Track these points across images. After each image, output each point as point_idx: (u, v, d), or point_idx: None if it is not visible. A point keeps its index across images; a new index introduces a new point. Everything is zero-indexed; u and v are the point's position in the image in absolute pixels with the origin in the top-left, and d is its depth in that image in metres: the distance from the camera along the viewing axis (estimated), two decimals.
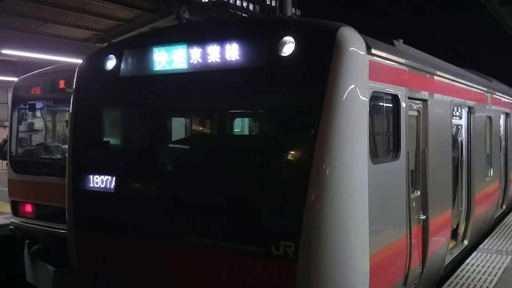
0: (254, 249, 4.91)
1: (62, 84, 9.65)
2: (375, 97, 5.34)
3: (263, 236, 4.91)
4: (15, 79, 11.18)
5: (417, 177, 6.70)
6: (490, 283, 7.30)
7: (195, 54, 5.53)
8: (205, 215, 5.39)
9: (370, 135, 5.11)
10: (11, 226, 10.31)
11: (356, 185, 4.90)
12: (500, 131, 12.46)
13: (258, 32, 5.47)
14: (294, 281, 4.70)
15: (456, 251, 8.88)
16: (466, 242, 9.43)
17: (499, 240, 9.98)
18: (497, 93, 11.98)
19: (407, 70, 6.29)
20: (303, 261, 4.67)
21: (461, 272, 7.82)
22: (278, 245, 4.75)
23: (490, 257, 8.62)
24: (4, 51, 16.45)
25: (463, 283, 7.28)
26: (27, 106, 10.48)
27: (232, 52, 5.28)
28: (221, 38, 5.37)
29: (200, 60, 5.51)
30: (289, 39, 4.96)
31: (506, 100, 13.21)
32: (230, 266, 5.15)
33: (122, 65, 6.14)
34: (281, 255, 4.74)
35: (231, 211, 5.24)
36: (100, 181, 6.08)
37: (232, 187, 5.30)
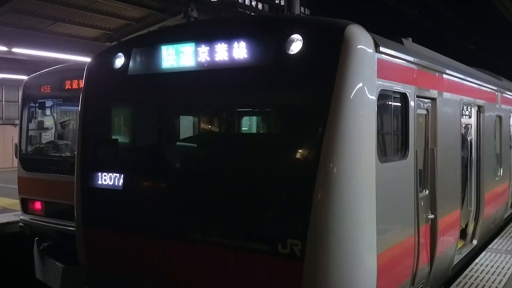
0: (261, 247, 4.92)
1: (71, 82, 9.73)
2: (383, 96, 5.31)
3: (270, 234, 4.91)
4: (25, 77, 11.27)
5: (425, 176, 6.66)
6: (499, 283, 7.24)
7: (203, 52, 5.54)
8: (213, 213, 5.40)
9: (378, 133, 5.09)
10: (20, 223, 10.41)
11: (364, 184, 4.88)
12: (510, 130, 12.37)
13: (266, 30, 5.46)
14: (300, 280, 4.70)
15: (465, 251, 8.82)
16: (475, 242, 9.37)
17: (508, 240, 9.90)
18: (507, 92, 11.89)
19: (415, 68, 6.25)
20: (310, 259, 4.66)
21: (469, 272, 7.77)
22: (284, 244, 4.75)
23: (499, 257, 8.56)
24: (15, 50, 16.55)
25: (472, 283, 7.23)
26: (37, 105, 10.57)
27: (240, 50, 5.28)
28: (229, 36, 5.38)
29: (208, 58, 5.52)
30: (297, 37, 4.95)
31: None
32: (237, 263, 5.16)
33: (131, 64, 6.17)
34: (288, 254, 4.74)
35: (238, 209, 5.25)
36: (108, 179, 6.11)
37: (239, 185, 5.31)
